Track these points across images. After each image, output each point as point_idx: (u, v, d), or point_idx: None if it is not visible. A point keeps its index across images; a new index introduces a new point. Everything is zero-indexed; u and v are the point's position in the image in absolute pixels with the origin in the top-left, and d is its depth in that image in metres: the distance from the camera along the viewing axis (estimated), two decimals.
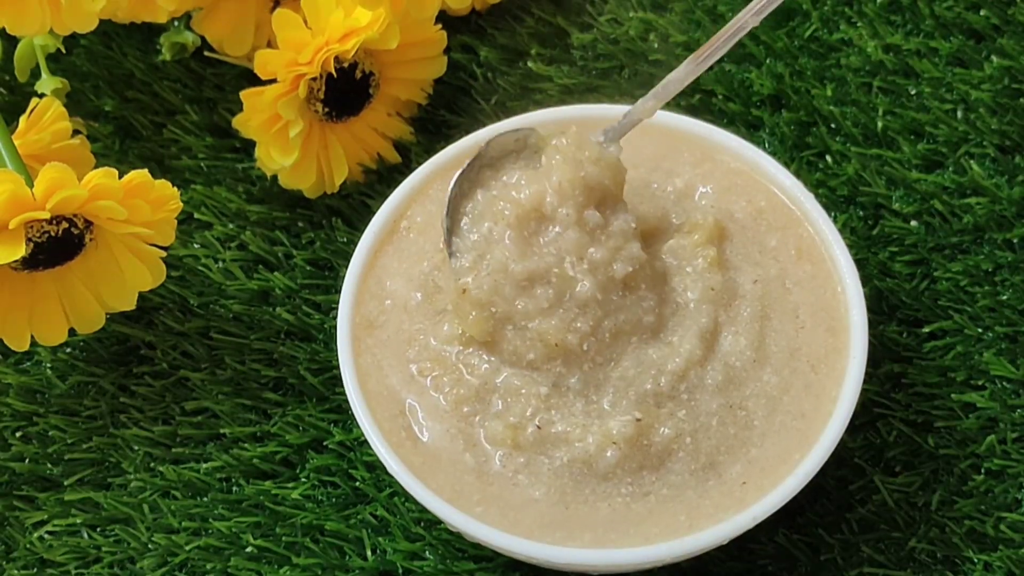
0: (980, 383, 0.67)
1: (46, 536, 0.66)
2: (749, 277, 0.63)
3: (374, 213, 0.66)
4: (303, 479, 0.67)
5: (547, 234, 0.61)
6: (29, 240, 0.62)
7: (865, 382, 0.60)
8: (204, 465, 0.67)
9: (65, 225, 0.63)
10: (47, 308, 0.66)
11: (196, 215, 0.74)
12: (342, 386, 0.62)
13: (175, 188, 0.65)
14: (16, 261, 0.62)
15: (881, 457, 0.66)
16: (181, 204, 0.65)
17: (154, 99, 0.78)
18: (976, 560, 0.63)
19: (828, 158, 0.74)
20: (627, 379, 0.60)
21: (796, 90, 0.76)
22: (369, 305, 0.64)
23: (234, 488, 0.67)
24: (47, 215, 0.61)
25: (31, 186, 0.61)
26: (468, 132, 0.68)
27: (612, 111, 0.66)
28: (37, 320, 0.66)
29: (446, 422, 0.61)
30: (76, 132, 0.68)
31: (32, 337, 0.66)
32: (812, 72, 0.76)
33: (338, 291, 0.65)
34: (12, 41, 0.74)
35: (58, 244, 0.64)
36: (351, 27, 0.67)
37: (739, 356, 0.61)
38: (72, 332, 0.67)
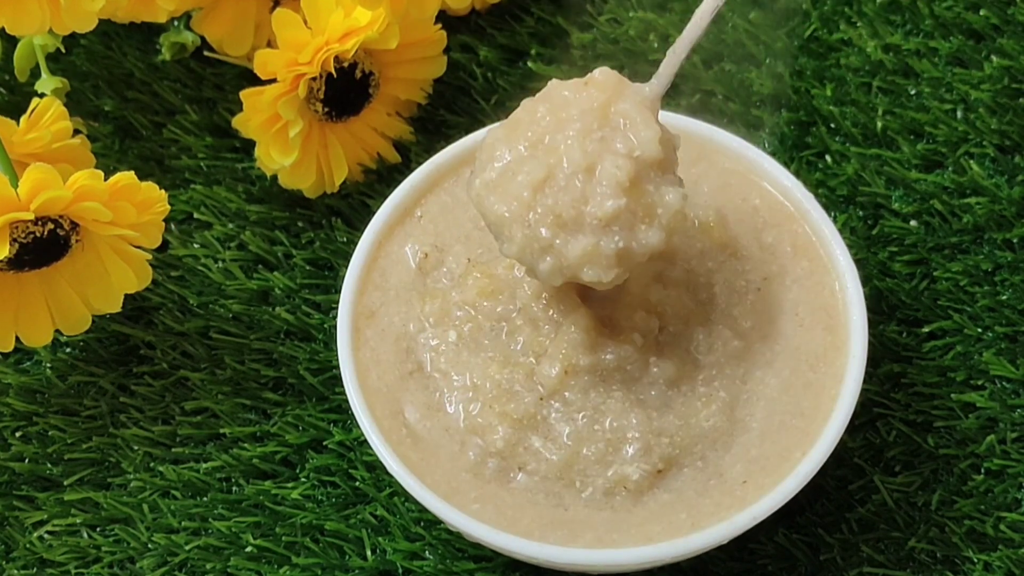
0: (980, 383, 0.67)
1: (46, 536, 0.66)
2: (752, 274, 0.63)
3: (374, 213, 0.66)
4: (303, 479, 0.67)
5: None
6: (14, 241, 0.62)
7: (865, 382, 0.60)
8: (204, 465, 0.67)
9: (51, 226, 0.63)
10: (32, 309, 0.66)
11: (196, 215, 0.74)
12: (342, 386, 0.62)
13: (163, 191, 0.64)
14: (1, 261, 0.62)
15: (881, 457, 0.66)
16: (168, 207, 0.65)
17: (154, 99, 0.78)
18: (976, 560, 0.63)
19: (828, 158, 0.74)
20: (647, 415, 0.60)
21: (796, 90, 0.76)
22: (373, 295, 0.64)
23: (234, 488, 0.67)
24: (31, 216, 0.61)
25: (16, 187, 0.61)
26: (468, 132, 0.68)
27: None
28: (22, 321, 0.65)
29: (444, 418, 0.61)
30: (76, 132, 0.68)
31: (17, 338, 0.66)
32: (812, 72, 0.76)
33: (338, 291, 0.65)
34: (12, 41, 0.74)
35: (44, 245, 0.64)
36: (351, 27, 0.67)
37: (751, 362, 0.61)
38: (58, 333, 0.67)
